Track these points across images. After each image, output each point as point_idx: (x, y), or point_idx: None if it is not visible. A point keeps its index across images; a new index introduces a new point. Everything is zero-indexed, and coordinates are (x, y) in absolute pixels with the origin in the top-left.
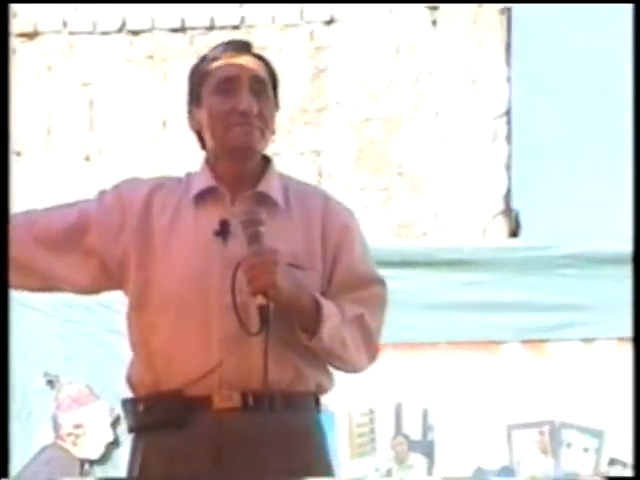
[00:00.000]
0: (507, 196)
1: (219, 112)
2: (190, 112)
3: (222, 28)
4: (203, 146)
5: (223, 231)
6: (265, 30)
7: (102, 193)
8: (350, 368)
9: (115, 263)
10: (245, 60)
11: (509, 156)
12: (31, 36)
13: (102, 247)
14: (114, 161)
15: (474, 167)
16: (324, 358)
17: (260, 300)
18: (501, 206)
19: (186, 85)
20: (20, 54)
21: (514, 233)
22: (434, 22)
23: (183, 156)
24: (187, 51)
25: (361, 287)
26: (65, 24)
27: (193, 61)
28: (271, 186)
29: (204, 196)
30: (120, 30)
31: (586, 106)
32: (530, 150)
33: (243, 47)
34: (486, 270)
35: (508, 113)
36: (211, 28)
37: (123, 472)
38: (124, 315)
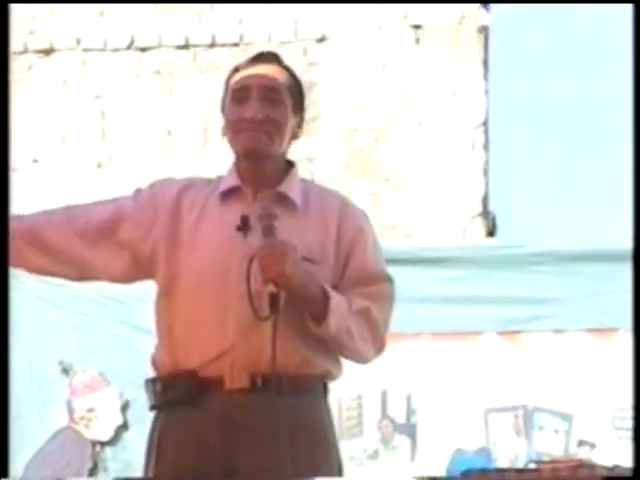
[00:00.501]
0: (485, 199)
1: (231, 120)
2: (223, 115)
3: (223, 45)
4: None
5: (244, 226)
6: (262, 47)
7: (138, 191)
8: (357, 358)
9: (146, 255)
10: (260, 70)
11: (486, 163)
12: (47, 52)
13: (135, 241)
14: (124, 167)
15: (454, 173)
16: (332, 347)
17: (271, 288)
18: (479, 208)
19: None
20: (37, 69)
21: (491, 233)
22: (417, 40)
23: (187, 163)
24: (191, 66)
25: (370, 283)
26: (78, 41)
27: (196, 75)
28: (291, 188)
29: (229, 194)
30: (129, 47)
31: (556, 116)
32: (505, 157)
33: (263, 57)
34: (465, 267)
35: (485, 123)
36: (212, 45)
37: (132, 453)
38: (133, 308)
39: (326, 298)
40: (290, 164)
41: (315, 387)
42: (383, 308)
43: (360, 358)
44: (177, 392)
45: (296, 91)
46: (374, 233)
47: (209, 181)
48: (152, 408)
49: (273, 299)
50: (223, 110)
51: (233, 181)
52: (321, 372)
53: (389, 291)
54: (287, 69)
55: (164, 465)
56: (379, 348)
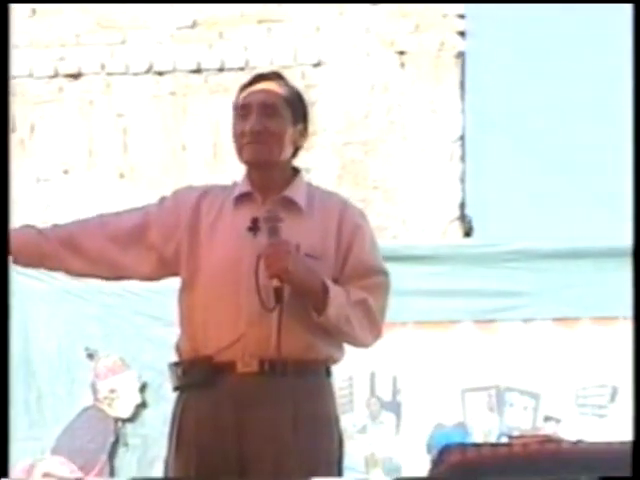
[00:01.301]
0: (462, 205)
1: (236, 134)
2: None
3: (230, 69)
4: None
5: (254, 227)
6: (265, 70)
7: (162, 199)
8: (357, 343)
9: (171, 256)
10: (260, 87)
11: (463, 172)
12: (75, 76)
13: (160, 243)
14: (144, 178)
15: (435, 182)
16: (334, 334)
17: (275, 283)
18: (457, 213)
19: None
20: (66, 91)
21: (468, 234)
22: (402, 64)
23: (199, 174)
24: (202, 88)
25: (367, 276)
26: (103, 67)
27: (207, 96)
28: (296, 192)
29: (242, 199)
30: (148, 71)
31: (525, 131)
32: (480, 168)
33: (263, 76)
34: (445, 264)
35: (462, 138)
36: (222, 69)
37: (150, 428)
38: (150, 300)
39: (326, 290)
40: (296, 171)
41: (318, 370)
42: (379, 298)
43: (359, 343)
44: (195, 375)
45: (295, 103)
46: (371, 231)
47: (225, 187)
48: (175, 389)
49: (277, 292)
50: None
51: (245, 187)
52: (324, 357)
53: (385, 282)
54: (286, 84)
55: (184, 439)
56: (376, 334)
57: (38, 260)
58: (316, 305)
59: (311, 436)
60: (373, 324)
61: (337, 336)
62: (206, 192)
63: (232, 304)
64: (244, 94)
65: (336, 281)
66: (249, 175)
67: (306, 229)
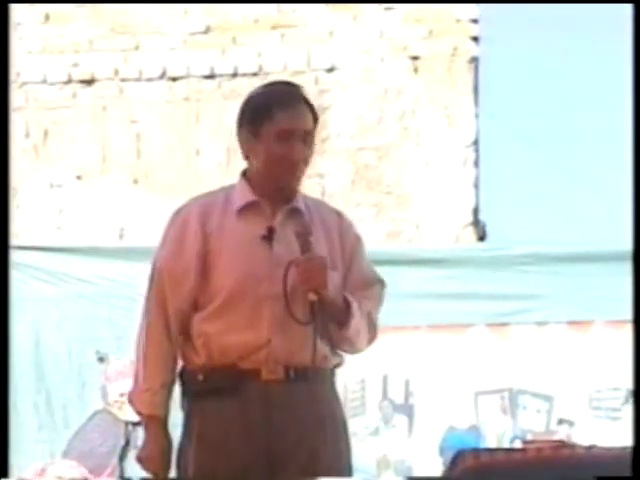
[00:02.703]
0: (475, 210)
1: (277, 156)
2: (242, 133)
3: (244, 75)
4: (245, 157)
5: (269, 236)
6: (278, 76)
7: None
8: (353, 351)
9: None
10: (301, 111)
11: (477, 178)
12: (89, 82)
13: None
14: (157, 183)
15: (449, 187)
16: (337, 344)
17: (312, 297)
18: (470, 218)
19: (244, 111)
20: (80, 97)
21: (481, 239)
22: (415, 69)
23: (212, 178)
24: (216, 93)
25: (368, 286)
26: (117, 72)
27: (221, 101)
28: (301, 203)
29: (247, 208)
30: (161, 77)
31: (539, 136)
32: (494, 173)
33: (299, 94)
34: (458, 267)
35: (476, 143)
36: (235, 75)
37: None
38: None
39: (348, 306)
40: None
41: (330, 376)
42: (377, 307)
43: (356, 351)
44: (219, 381)
45: (316, 125)
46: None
47: (215, 194)
48: (188, 395)
49: (313, 306)
50: (253, 134)
51: (250, 197)
52: (334, 364)
53: (382, 292)
54: (312, 107)
55: (209, 444)
56: (371, 341)
57: None
58: (339, 319)
59: (336, 438)
60: (372, 333)
61: (340, 345)
62: (202, 204)
63: (250, 311)
64: (286, 115)
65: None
66: (256, 184)
67: (315, 241)
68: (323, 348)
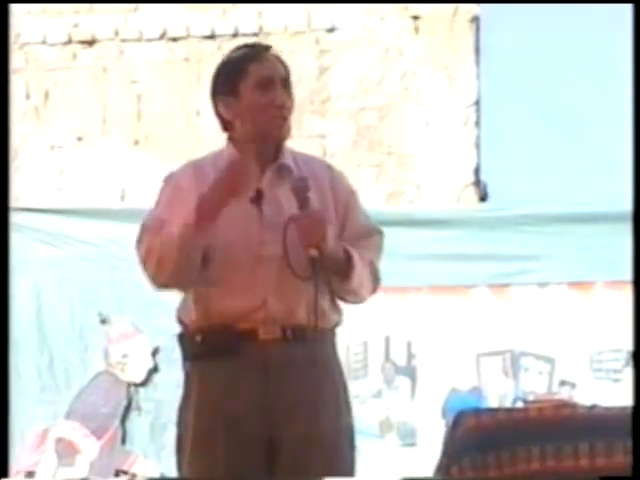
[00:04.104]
0: (477, 170)
1: (260, 105)
2: (221, 101)
3: (244, 35)
4: (225, 129)
5: (258, 199)
6: (279, 37)
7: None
8: (357, 300)
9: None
10: (273, 62)
11: (478, 138)
12: (90, 43)
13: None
14: (158, 144)
15: (450, 147)
16: (341, 296)
17: (313, 252)
18: (472, 178)
19: (217, 80)
20: (80, 58)
21: (482, 200)
22: (417, 29)
23: (213, 140)
24: (216, 55)
25: (367, 236)
26: (117, 33)
27: None
28: (289, 158)
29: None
30: (161, 38)
31: (540, 96)
32: (495, 133)
33: (268, 50)
34: (460, 228)
35: (477, 103)
36: (235, 35)
37: (162, 392)
38: None
39: (349, 257)
40: None
41: (330, 335)
42: (378, 256)
43: (360, 300)
44: (216, 343)
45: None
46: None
47: (205, 158)
48: (188, 358)
49: (314, 262)
50: (231, 94)
51: (236, 157)
52: (334, 323)
53: (381, 241)
54: (283, 62)
55: (208, 406)
56: (374, 290)
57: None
58: (342, 272)
59: (335, 399)
60: (375, 283)
61: (343, 295)
62: (197, 167)
63: (246, 273)
64: (261, 65)
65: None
66: (243, 145)
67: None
68: (324, 304)
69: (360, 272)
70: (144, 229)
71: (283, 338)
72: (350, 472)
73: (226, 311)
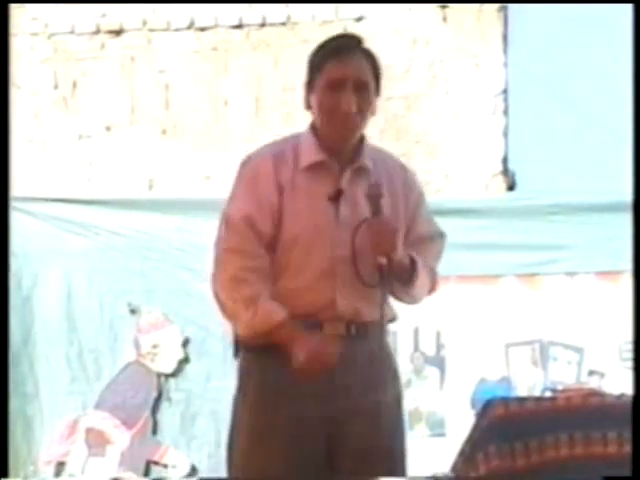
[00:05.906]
0: (505, 159)
1: (327, 107)
2: (305, 86)
3: (272, 25)
4: (308, 107)
5: (336, 198)
6: (306, 26)
7: (241, 182)
8: (413, 302)
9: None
10: (353, 61)
11: (506, 126)
12: (117, 33)
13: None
14: (186, 134)
15: (478, 136)
16: (399, 295)
17: (382, 260)
18: (500, 167)
19: (307, 63)
20: (108, 48)
21: (511, 189)
22: (444, 18)
23: (241, 129)
24: (244, 44)
25: (430, 240)
26: (145, 23)
27: (249, 51)
28: (367, 160)
29: (316, 167)
30: (189, 27)
31: (568, 85)
32: (523, 121)
33: (353, 45)
34: (488, 217)
35: (505, 92)
36: (263, 25)
37: (193, 383)
38: (193, 255)
39: (414, 264)
40: (362, 136)
41: (385, 331)
42: (439, 260)
43: (415, 303)
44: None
45: (378, 75)
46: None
47: (284, 147)
48: (246, 350)
49: (382, 269)
50: (308, 87)
51: (318, 156)
52: (389, 318)
53: (443, 245)
54: (370, 53)
55: (266, 404)
56: (430, 293)
57: None
58: (405, 278)
59: (396, 391)
60: (433, 286)
61: (401, 297)
62: (277, 156)
63: (318, 271)
64: (335, 65)
65: (403, 244)
66: (323, 143)
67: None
68: (386, 307)
69: (422, 279)
70: (228, 225)
71: (347, 334)
72: (403, 472)
73: (292, 308)
